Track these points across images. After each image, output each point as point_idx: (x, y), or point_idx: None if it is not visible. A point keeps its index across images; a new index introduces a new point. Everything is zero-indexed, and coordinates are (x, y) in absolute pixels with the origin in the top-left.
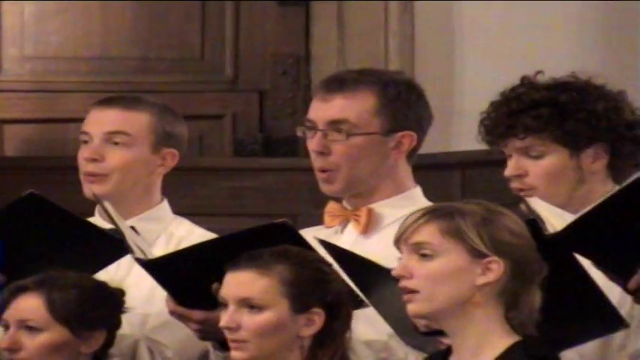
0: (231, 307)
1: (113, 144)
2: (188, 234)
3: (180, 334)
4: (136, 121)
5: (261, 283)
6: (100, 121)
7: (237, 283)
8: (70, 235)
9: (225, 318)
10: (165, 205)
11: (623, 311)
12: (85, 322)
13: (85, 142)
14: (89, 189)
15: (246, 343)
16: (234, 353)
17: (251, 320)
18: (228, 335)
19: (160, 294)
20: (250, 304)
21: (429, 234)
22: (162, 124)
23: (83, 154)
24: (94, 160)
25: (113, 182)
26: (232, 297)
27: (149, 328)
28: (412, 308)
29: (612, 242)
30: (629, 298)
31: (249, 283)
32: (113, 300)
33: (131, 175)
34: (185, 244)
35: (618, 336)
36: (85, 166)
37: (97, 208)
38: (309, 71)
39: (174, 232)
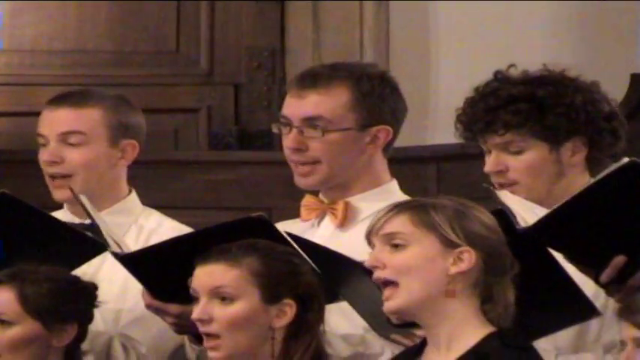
0: (203, 300)
1: (69, 145)
2: (158, 226)
3: (154, 330)
4: (88, 118)
5: (232, 274)
6: (52, 122)
7: (208, 275)
8: (43, 234)
9: (197, 310)
10: (133, 197)
11: (599, 303)
12: (57, 315)
13: (43, 144)
14: (58, 194)
15: (220, 340)
16: (210, 353)
17: (223, 312)
18: (201, 328)
19: (133, 289)
20: (222, 295)
21: (400, 224)
22: (117, 117)
23: (43, 157)
24: (54, 163)
25: (78, 182)
26: (203, 289)
27: (122, 325)
28: (390, 305)
29: (584, 236)
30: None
31: (219, 275)
32: (86, 294)
33: (94, 173)
34: (155, 237)
35: (593, 327)
36: (47, 169)
37: (65, 206)
38: (284, 64)
39: (144, 225)
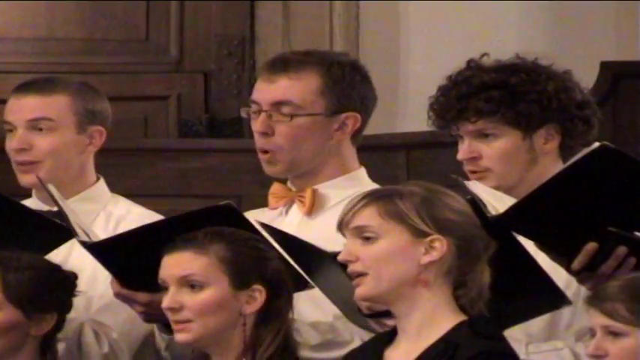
0: (172, 289)
1: (38, 130)
2: (127, 213)
3: (125, 315)
4: (56, 105)
5: (200, 261)
6: (21, 109)
7: (176, 263)
8: (10, 220)
9: (167, 299)
10: (101, 185)
11: (570, 292)
12: (37, 304)
13: (10, 130)
14: (24, 179)
15: (190, 324)
16: (178, 335)
17: (193, 299)
18: (171, 317)
19: (103, 276)
20: (191, 283)
21: (368, 217)
22: (83, 104)
23: (11, 144)
24: (22, 150)
25: (46, 168)
26: (172, 278)
27: (93, 311)
28: (360, 291)
29: (556, 223)
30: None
31: (187, 263)
32: (66, 283)
33: (62, 159)
34: (124, 223)
35: (565, 316)
36: (14, 156)
37: (34, 193)
38: (254, 52)
39: (113, 211)
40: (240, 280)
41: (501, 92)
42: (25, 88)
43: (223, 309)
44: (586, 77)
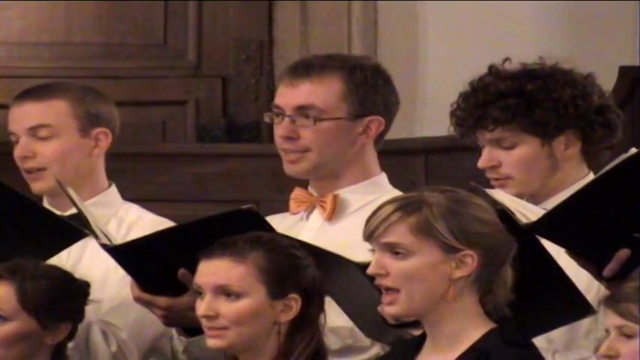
0: (208, 296)
1: (39, 139)
2: (138, 218)
3: (134, 316)
4: (54, 110)
5: (238, 270)
6: (20, 117)
7: (213, 271)
8: (23, 219)
9: (202, 306)
10: (113, 190)
11: (590, 296)
12: (53, 313)
13: (16, 141)
14: (35, 186)
15: (225, 331)
16: (212, 341)
17: (229, 308)
18: (206, 323)
19: (113, 280)
20: (227, 292)
21: (400, 234)
22: (84, 107)
23: (15, 153)
24: (26, 158)
25: (54, 174)
26: (208, 285)
27: (102, 312)
28: (392, 310)
29: (589, 230)
30: (595, 284)
31: (225, 271)
32: (80, 292)
33: (69, 164)
34: (137, 229)
35: (585, 321)
36: (21, 165)
37: (45, 199)
38: (272, 57)
39: (125, 217)
40: (277, 289)
41: (517, 100)
42: (22, 96)
43: (259, 318)
44: (605, 82)
